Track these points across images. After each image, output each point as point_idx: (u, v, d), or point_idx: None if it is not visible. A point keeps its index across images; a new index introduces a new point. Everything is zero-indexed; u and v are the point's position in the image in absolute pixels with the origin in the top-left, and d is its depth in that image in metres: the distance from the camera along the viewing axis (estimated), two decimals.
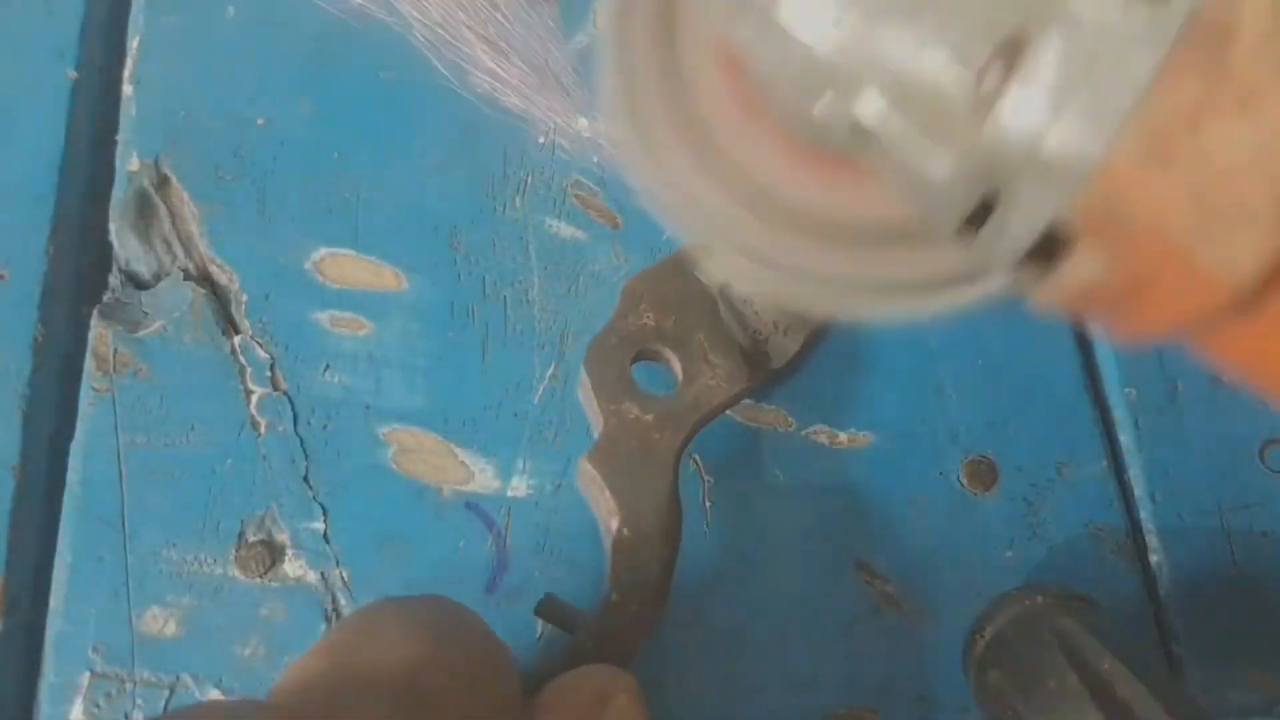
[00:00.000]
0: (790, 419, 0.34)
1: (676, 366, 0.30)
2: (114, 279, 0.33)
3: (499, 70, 0.35)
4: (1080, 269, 0.16)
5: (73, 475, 0.31)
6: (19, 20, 0.35)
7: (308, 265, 0.34)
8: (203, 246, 0.34)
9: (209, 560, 0.31)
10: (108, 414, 0.32)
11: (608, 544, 0.28)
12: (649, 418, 0.28)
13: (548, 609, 0.28)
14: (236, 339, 0.33)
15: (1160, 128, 0.14)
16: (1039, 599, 0.29)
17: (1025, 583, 0.32)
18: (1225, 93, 0.13)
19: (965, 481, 0.33)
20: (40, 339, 0.32)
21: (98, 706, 0.29)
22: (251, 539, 0.31)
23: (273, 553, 0.31)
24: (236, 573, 0.31)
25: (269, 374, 0.33)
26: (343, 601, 0.31)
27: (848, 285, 0.20)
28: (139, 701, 0.29)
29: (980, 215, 0.16)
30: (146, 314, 0.33)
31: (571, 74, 0.36)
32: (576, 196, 0.35)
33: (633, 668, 0.30)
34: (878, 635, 0.32)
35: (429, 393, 0.33)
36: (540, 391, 0.33)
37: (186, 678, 0.30)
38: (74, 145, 0.34)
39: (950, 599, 0.32)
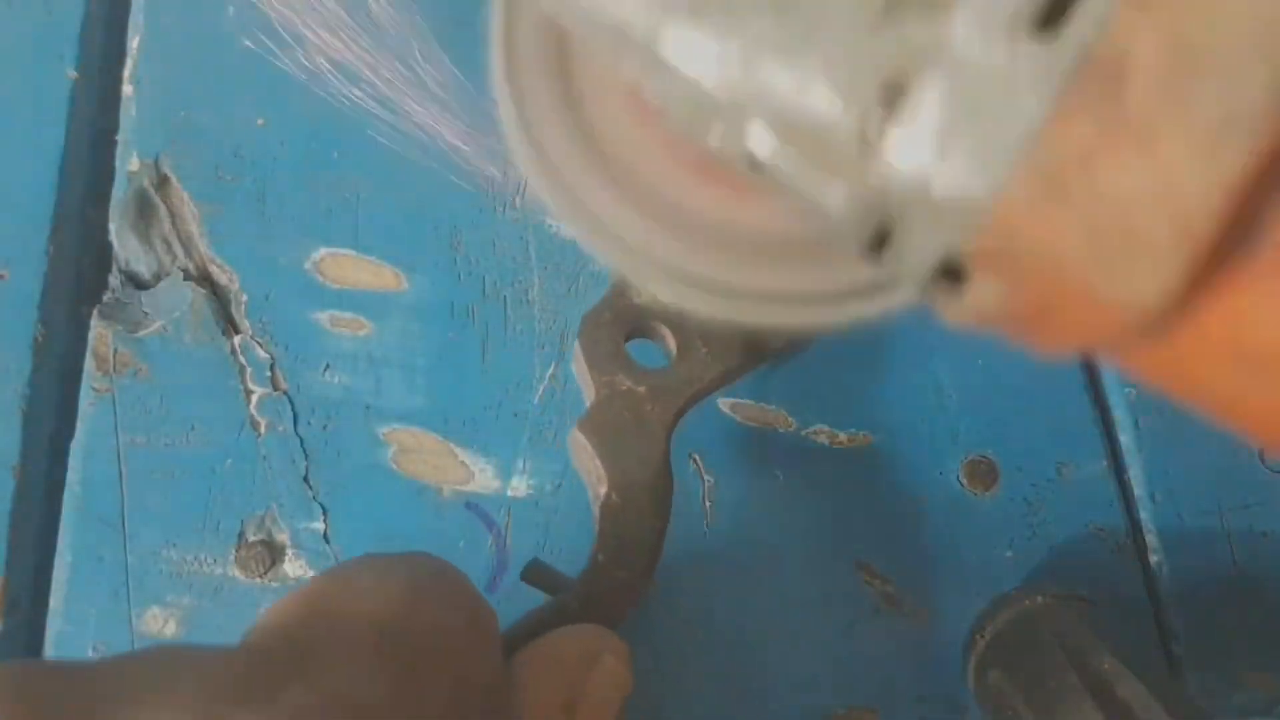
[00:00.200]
0: (790, 419, 0.34)
1: (670, 342, 0.30)
2: (114, 279, 0.33)
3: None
4: (979, 298, 0.16)
5: (73, 475, 0.31)
6: (19, 20, 0.35)
7: (308, 265, 0.34)
8: (203, 246, 0.34)
9: (209, 560, 0.31)
10: (108, 414, 0.32)
11: (596, 510, 0.28)
12: (642, 389, 0.28)
13: (534, 573, 0.28)
14: (236, 339, 0.33)
15: (1052, 168, 0.14)
16: (1039, 599, 0.29)
17: (1025, 583, 0.32)
18: (1120, 131, 0.13)
19: (965, 481, 0.33)
20: (40, 339, 0.32)
21: None
22: (251, 539, 0.31)
23: (273, 553, 0.31)
24: (236, 573, 0.31)
25: (269, 374, 0.33)
26: None
27: (760, 298, 0.20)
28: None
29: (881, 241, 0.16)
30: (146, 314, 0.33)
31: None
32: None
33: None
34: (878, 635, 0.32)
35: (429, 393, 0.33)
36: (540, 391, 0.33)
37: None
38: (74, 145, 0.34)
39: (950, 599, 0.32)
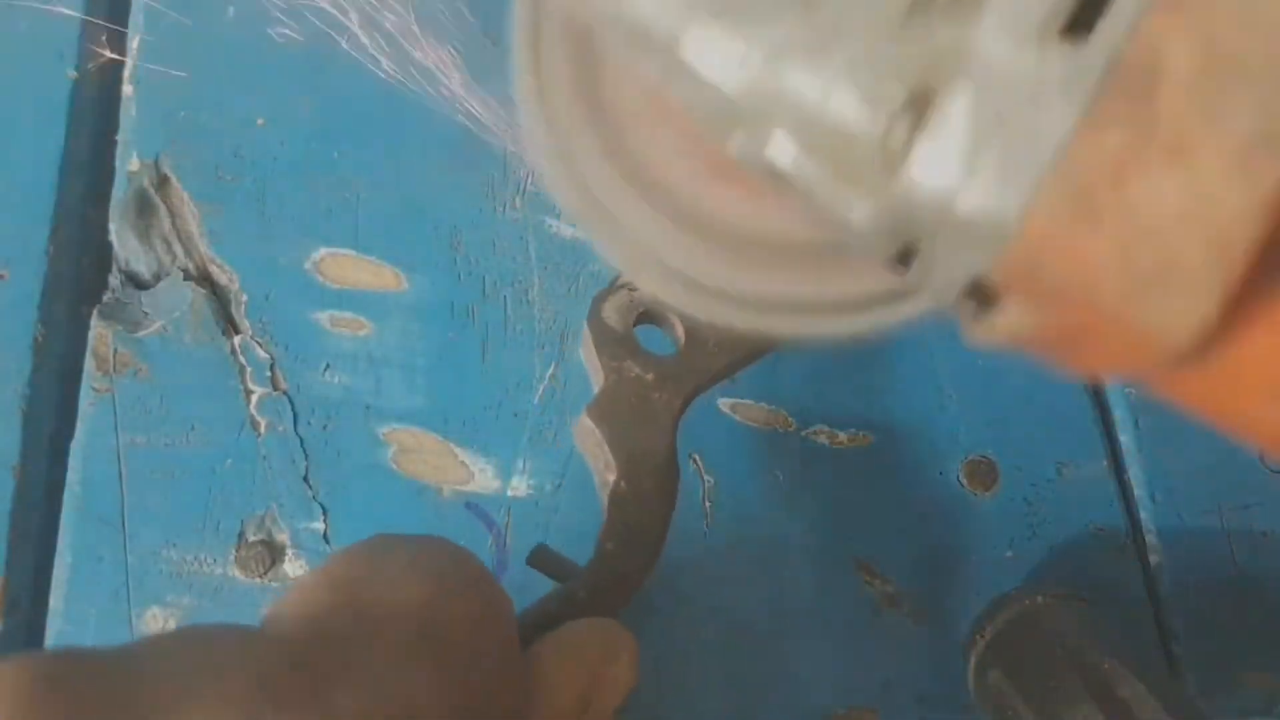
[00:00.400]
0: (790, 419, 0.33)
1: (679, 330, 0.30)
2: (114, 279, 0.33)
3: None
4: (1009, 320, 0.15)
5: (73, 475, 0.31)
6: (19, 20, 0.35)
7: (308, 265, 0.34)
8: (203, 246, 0.34)
9: (209, 560, 0.31)
10: (108, 414, 0.32)
11: (603, 497, 0.28)
12: (649, 376, 0.28)
13: (540, 559, 0.28)
14: (236, 339, 0.33)
15: (1083, 184, 0.13)
16: (1039, 599, 0.29)
17: (1025, 583, 0.32)
18: (1152, 143, 0.13)
19: (965, 481, 0.33)
20: (40, 339, 0.32)
21: None
22: (251, 539, 0.31)
23: (273, 553, 0.31)
24: (236, 573, 0.31)
25: (269, 374, 0.33)
26: None
27: (777, 306, 0.20)
28: None
29: (905, 257, 0.16)
30: (146, 314, 0.33)
31: None
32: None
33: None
34: (878, 635, 0.32)
35: (429, 393, 0.33)
36: (540, 391, 0.33)
37: None
38: (74, 145, 0.34)
39: (950, 599, 0.32)
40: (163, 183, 0.34)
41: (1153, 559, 0.33)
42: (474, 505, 0.32)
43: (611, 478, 0.28)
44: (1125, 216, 0.13)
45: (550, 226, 0.35)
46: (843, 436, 0.33)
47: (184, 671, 0.17)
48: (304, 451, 0.32)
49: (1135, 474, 0.34)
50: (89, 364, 0.32)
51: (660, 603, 0.31)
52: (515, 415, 0.33)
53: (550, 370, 0.33)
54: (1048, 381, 0.34)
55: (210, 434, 0.32)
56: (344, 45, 0.35)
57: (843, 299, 0.19)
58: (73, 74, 0.35)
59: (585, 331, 0.29)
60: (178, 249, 0.34)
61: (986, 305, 0.16)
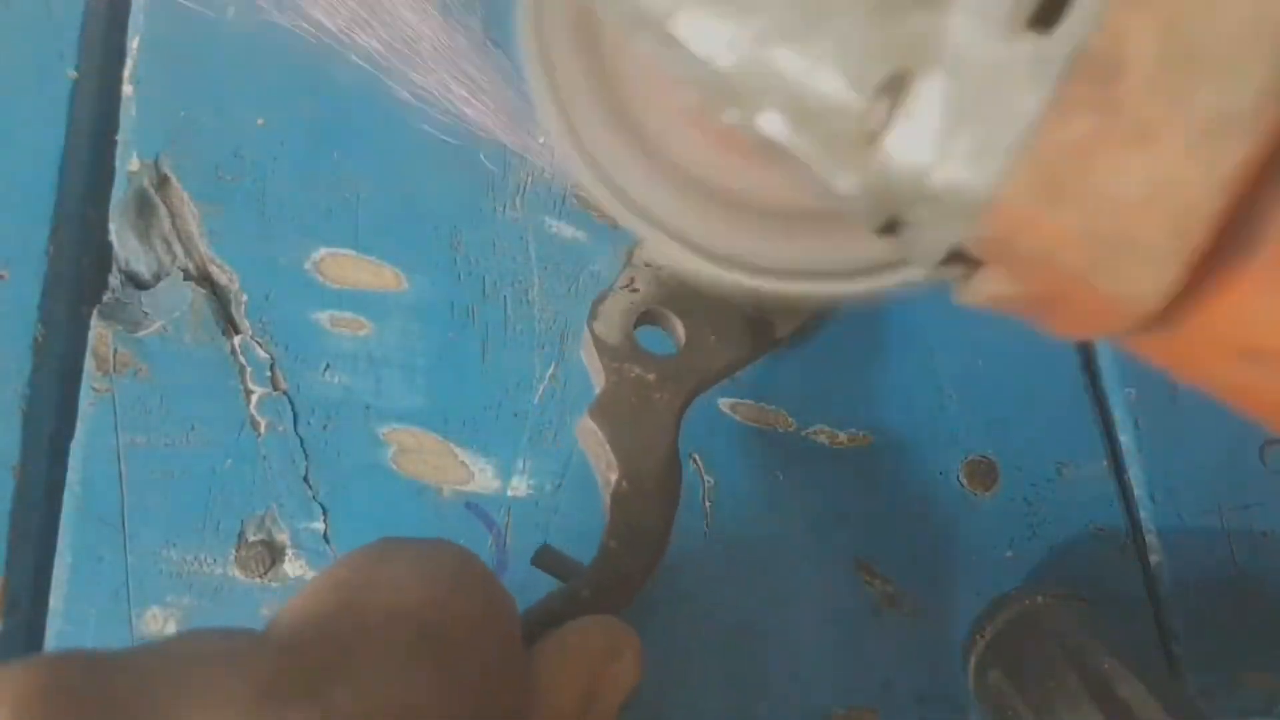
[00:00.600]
0: (790, 419, 0.33)
1: (679, 330, 0.30)
2: (114, 279, 0.33)
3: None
4: (988, 285, 0.16)
5: (73, 475, 0.31)
6: (19, 20, 0.35)
7: (308, 265, 0.34)
8: (203, 246, 0.34)
9: (209, 560, 0.31)
10: (108, 414, 0.32)
11: (606, 497, 0.28)
12: (650, 377, 0.29)
13: (544, 559, 0.28)
14: (236, 339, 0.33)
15: (1050, 164, 0.14)
16: (1039, 599, 0.29)
17: (1025, 583, 0.32)
18: (1117, 127, 0.13)
19: (965, 481, 0.33)
20: (40, 339, 0.32)
21: None
22: (251, 539, 0.31)
23: (273, 553, 0.31)
24: (236, 573, 0.31)
25: (269, 374, 0.33)
26: None
27: (781, 271, 0.20)
28: None
29: (891, 227, 0.17)
30: (146, 314, 0.33)
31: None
32: (577, 196, 0.35)
33: None
34: (878, 635, 0.32)
35: (429, 393, 0.33)
36: (540, 391, 0.33)
37: None
38: (74, 145, 0.34)
39: (950, 599, 0.32)
40: (163, 183, 0.34)
41: (1153, 559, 0.33)
42: (474, 505, 0.32)
43: (614, 477, 0.28)
44: (1091, 194, 0.14)
45: (550, 226, 0.35)
46: (843, 436, 0.33)
47: (184, 672, 0.17)
48: (304, 451, 0.32)
49: (1135, 474, 0.34)
50: (89, 364, 0.32)
51: (660, 602, 0.31)
52: (515, 415, 0.33)
53: (550, 370, 0.33)
54: (1048, 382, 0.34)
55: (210, 434, 0.32)
56: (345, 53, 0.35)
57: (848, 263, 0.20)
58: (73, 74, 0.35)
59: (585, 333, 0.29)
60: (178, 249, 0.34)
61: (969, 271, 0.16)
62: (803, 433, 0.33)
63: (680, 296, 0.30)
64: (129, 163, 0.34)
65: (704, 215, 0.20)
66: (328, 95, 0.35)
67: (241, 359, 0.33)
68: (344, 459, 0.32)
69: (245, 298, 0.33)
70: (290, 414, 0.32)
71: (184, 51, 0.35)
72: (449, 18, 0.35)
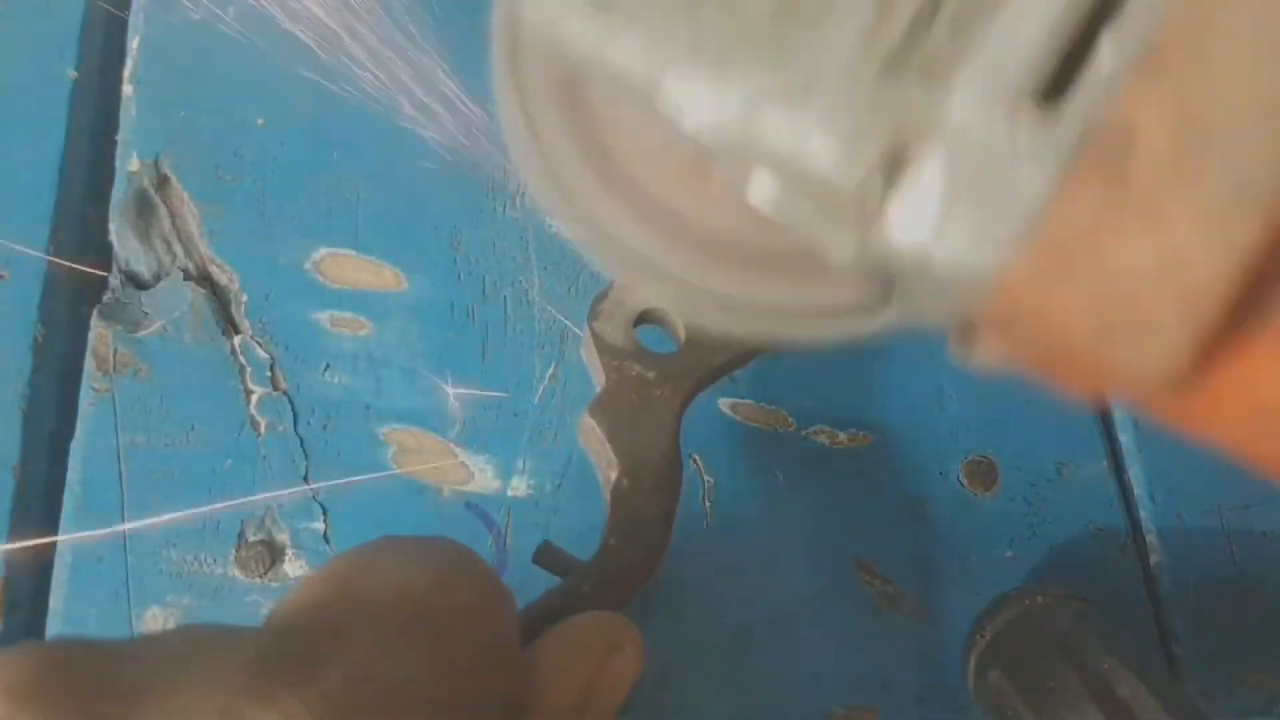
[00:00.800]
0: (790, 419, 0.33)
1: (680, 328, 0.30)
2: (114, 279, 0.33)
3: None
4: (990, 351, 0.16)
5: (73, 475, 0.31)
6: (19, 20, 0.35)
7: (308, 265, 0.34)
8: (203, 246, 0.34)
9: (209, 560, 0.31)
10: (108, 414, 0.32)
11: (606, 494, 0.28)
12: (651, 375, 0.29)
13: (545, 556, 0.28)
14: (236, 339, 0.33)
15: (1057, 244, 0.13)
16: (1039, 599, 0.29)
17: (1025, 583, 0.32)
18: (1125, 207, 0.13)
19: (965, 481, 0.33)
20: (40, 339, 0.32)
21: None
22: (251, 539, 0.31)
23: (273, 553, 0.31)
24: (236, 573, 0.31)
25: (269, 374, 0.33)
26: None
27: (764, 311, 0.20)
28: None
29: (889, 287, 0.16)
30: (146, 314, 0.33)
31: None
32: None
33: None
34: (878, 635, 0.32)
35: (429, 393, 0.33)
36: (540, 391, 0.33)
37: None
38: (74, 145, 0.34)
39: (950, 599, 0.32)
40: (163, 183, 0.34)
41: (1153, 559, 0.33)
42: (474, 505, 0.32)
43: (614, 474, 0.28)
44: (1098, 273, 0.13)
45: (550, 226, 0.35)
46: (843, 436, 0.33)
47: (178, 656, 0.17)
48: (304, 451, 0.32)
49: (1135, 474, 0.34)
50: (89, 364, 0.32)
51: (661, 602, 0.31)
52: (515, 415, 0.33)
53: (550, 370, 0.33)
54: None
55: (210, 434, 0.32)
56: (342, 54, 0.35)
57: (827, 305, 0.20)
58: (73, 74, 0.35)
59: (586, 332, 0.29)
60: (178, 249, 0.34)
61: (969, 333, 0.16)
62: (803, 433, 0.33)
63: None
64: (129, 163, 0.34)
65: (685, 253, 0.20)
66: (328, 95, 0.35)
67: (241, 359, 0.33)
68: (344, 459, 0.32)
69: (245, 298, 0.33)
70: (290, 414, 0.32)
71: (184, 51, 0.35)
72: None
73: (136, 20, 0.36)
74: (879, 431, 0.34)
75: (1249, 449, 0.16)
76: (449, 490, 0.32)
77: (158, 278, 0.33)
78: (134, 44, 0.35)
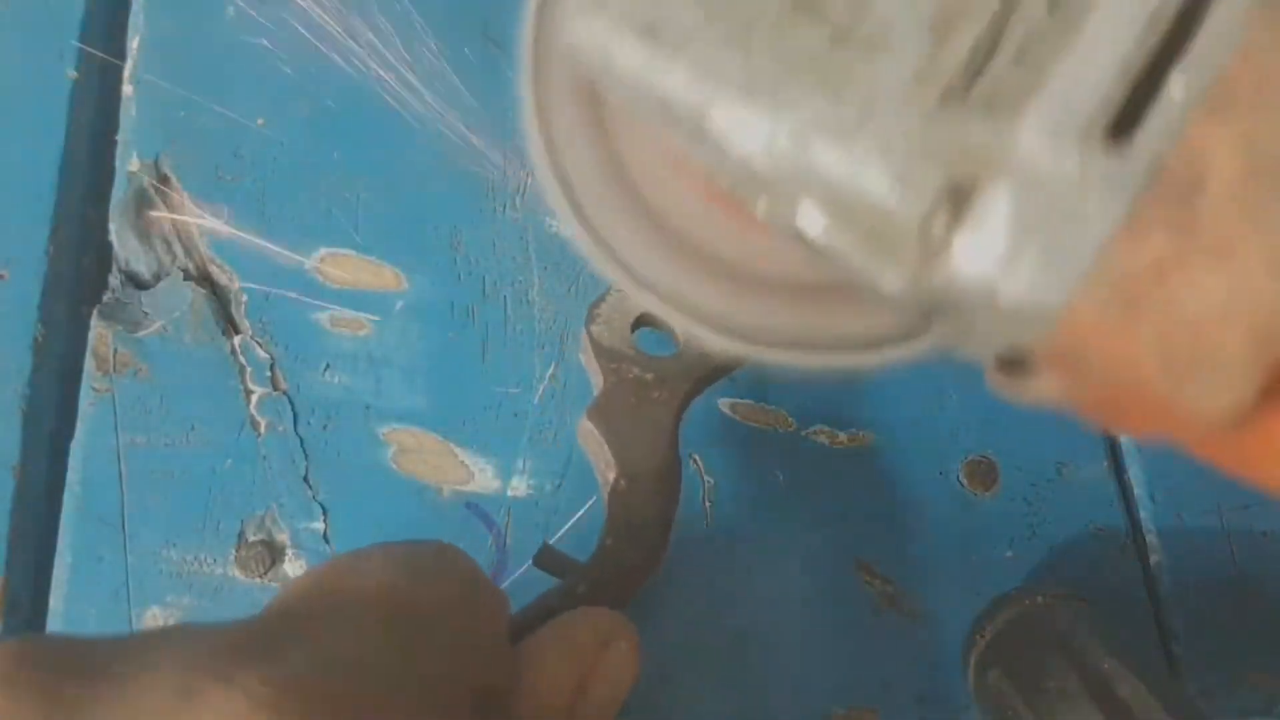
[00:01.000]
0: (790, 419, 0.33)
1: (678, 331, 0.30)
2: (114, 279, 0.33)
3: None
4: (1044, 387, 0.16)
5: (73, 475, 0.31)
6: (19, 21, 0.35)
7: (308, 265, 0.34)
8: (203, 246, 0.34)
9: (209, 560, 0.31)
10: (108, 414, 0.32)
11: (605, 496, 0.28)
12: (649, 377, 0.29)
13: (545, 558, 0.28)
14: (236, 339, 0.33)
15: (1125, 280, 0.13)
16: (1039, 599, 0.29)
17: (1025, 583, 0.32)
18: (1194, 243, 0.13)
19: (965, 481, 0.33)
20: (40, 339, 0.32)
21: None
22: (251, 539, 0.31)
23: (273, 553, 0.31)
24: (236, 573, 0.31)
25: (269, 374, 0.33)
26: None
27: (776, 338, 0.20)
28: None
29: (937, 317, 0.16)
30: (146, 314, 0.33)
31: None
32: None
33: None
34: (878, 635, 0.32)
35: (429, 393, 0.33)
36: (540, 391, 0.33)
37: None
38: (74, 145, 0.34)
39: (950, 599, 0.32)
40: (163, 183, 0.34)
41: (1153, 559, 0.33)
42: (474, 505, 0.32)
43: (612, 476, 0.28)
44: (1166, 310, 0.13)
45: (550, 226, 0.35)
46: (843, 436, 0.33)
47: (150, 644, 0.18)
48: (304, 451, 0.32)
49: (1135, 474, 0.34)
50: (89, 364, 0.32)
51: (660, 602, 0.31)
52: (515, 415, 0.33)
53: (550, 370, 0.33)
54: None
55: (210, 434, 0.32)
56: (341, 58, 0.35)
57: (847, 335, 0.19)
58: (73, 74, 0.35)
59: (584, 337, 0.29)
60: (178, 249, 0.34)
61: (1021, 369, 0.16)
62: (803, 433, 0.33)
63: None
64: (129, 163, 0.34)
65: (695, 277, 0.20)
66: (328, 95, 0.35)
67: (241, 359, 0.33)
68: (344, 459, 0.32)
69: (245, 298, 0.33)
70: (290, 414, 0.32)
71: (184, 52, 0.35)
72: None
73: (136, 20, 0.36)
74: (879, 431, 0.34)
75: None
76: (449, 490, 0.32)
77: (158, 278, 0.33)
78: (134, 44, 0.35)
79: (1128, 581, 0.33)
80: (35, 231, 0.33)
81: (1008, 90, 0.14)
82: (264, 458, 0.32)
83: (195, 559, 0.31)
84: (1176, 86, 0.13)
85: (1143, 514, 0.33)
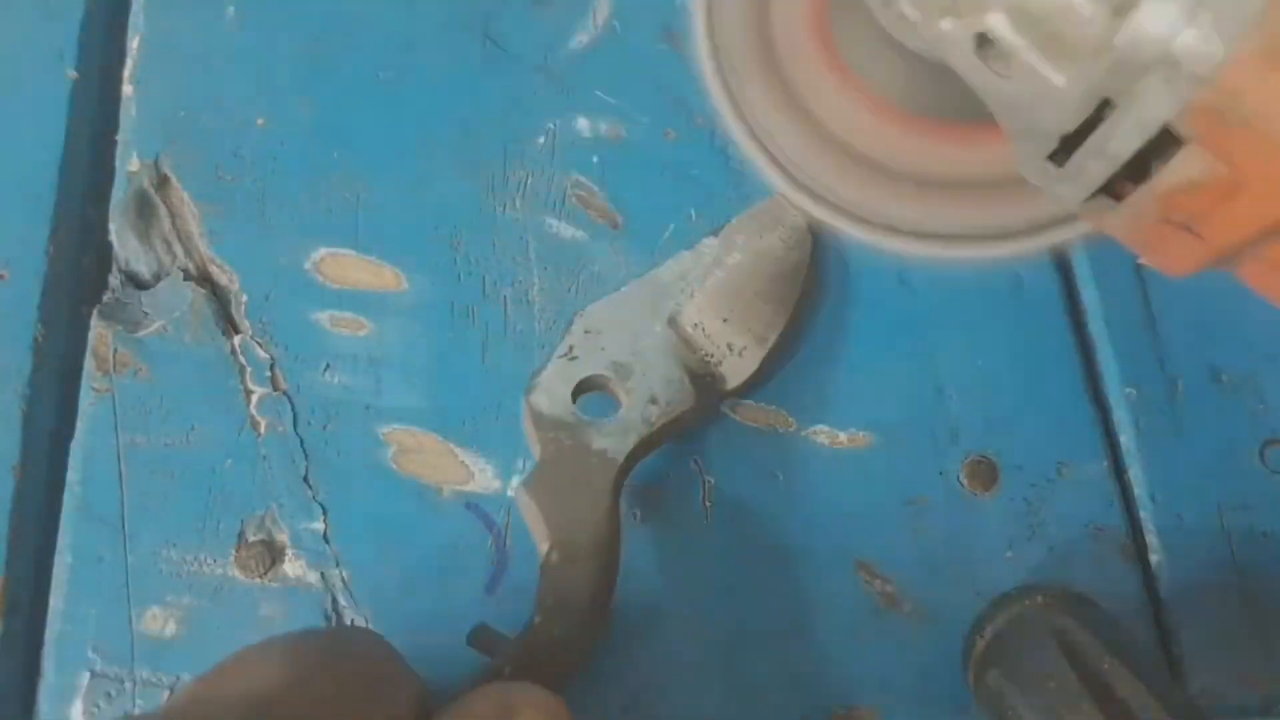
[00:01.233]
0: (790, 419, 0.33)
1: (620, 393, 0.30)
2: (114, 279, 0.33)
3: None
4: (1180, 170, 0.18)
5: (73, 475, 0.31)
6: (19, 20, 0.35)
7: (308, 265, 0.34)
8: (203, 246, 0.34)
9: (209, 560, 0.31)
10: (108, 414, 0.32)
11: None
12: (589, 444, 0.28)
13: (478, 637, 0.27)
14: (236, 339, 0.33)
15: (1275, 37, 0.16)
16: (1039, 599, 0.29)
17: (1025, 583, 0.32)
18: None
19: (965, 481, 0.33)
20: (40, 339, 0.32)
21: (97, 707, 0.29)
22: (251, 539, 0.31)
23: (273, 553, 0.31)
24: (236, 573, 0.31)
25: (269, 374, 0.33)
26: (342, 602, 0.31)
27: (939, 233, 0.23)
28: (139, 702, 0.29)
29: (1070, 144, 0.19)
30: (146, 314, 0.33)
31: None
32: (576, 196, 0.35)
33: (632, 668, 0.30)
34: (878, 635, 0.32)
35: (429, 393, 0.33)
36: None
37: (186, 678, 0.30)
38: (74, 145, 0.34)
39: (950, 599, 0.32)
40: (163, 183, 0.34)
41: (1153, 559, 0.33)
42: (474, 505, 0.32)
43: (545, 548, 0.27)
44: None
45: (550, 226, 0.35)
46: (843, 436, 0.33)
47: None
48: (304, 451, 0.32)
49: (1135, 474, 0.34)
50: (89, 364, 0.32)
51: (660, 603, 0.31)
52: (515, 415, 0.33)
53: None
54: (1048, 381, 0.34)
55: (210, 434, 0.32)
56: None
57: (1006, 226, 0.23)
58: (73, 74, 0.35)
59: (524, 404, 0.29)
60: (178, 249, 0.34)
61: (1127, 188, 0.19)
62: (803, 433, 0.33)
63: (620, 360, 0.30)
64: (129, 163, 0.34)
65: (865, 185, 0.22)
66: (328, 95, 0.35)
67: (241, 359, 0.33)
68: (344, 459, 0.32)
69: (245, 298, 0.33)
70: (290, 414, 0.32)
71: (184, 51, 0.35)
72: None
73: (136, 20, 0.36)
74: (879, 431, 0.34)
75: None
76: (449, 490, 0.32)
77: (158, 278, 0.34)
78: (134, 44, 0.35)
79: (1128, 581, 0.33)
80: (35, 231, 0.33)
81: None
82: (264, 458, 0.32)
83: (195, 559, 0.31)
84: None
85: (1143, 514, 0.33)
